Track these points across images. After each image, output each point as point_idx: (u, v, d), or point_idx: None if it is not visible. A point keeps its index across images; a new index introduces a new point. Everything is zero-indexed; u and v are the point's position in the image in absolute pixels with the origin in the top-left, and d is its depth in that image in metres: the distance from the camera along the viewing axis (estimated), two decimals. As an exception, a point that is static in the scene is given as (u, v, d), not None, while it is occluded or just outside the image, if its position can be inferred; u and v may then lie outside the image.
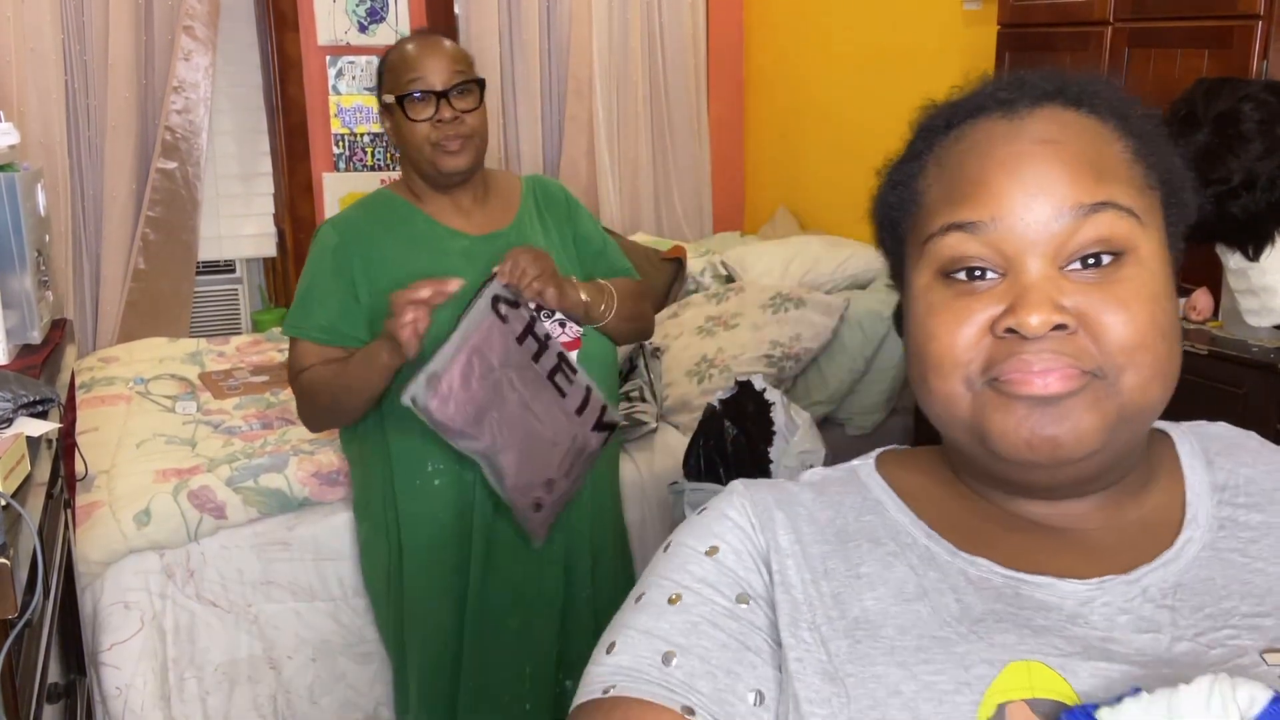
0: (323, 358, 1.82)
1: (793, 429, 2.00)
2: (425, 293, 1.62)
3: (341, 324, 1.82)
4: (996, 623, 0.64)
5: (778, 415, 2.01)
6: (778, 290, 2.92)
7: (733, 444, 2.08)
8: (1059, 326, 0.63)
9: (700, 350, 2.81)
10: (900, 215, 0.73)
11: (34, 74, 3.22)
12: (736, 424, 2.08)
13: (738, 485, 0.76)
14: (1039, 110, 0.68)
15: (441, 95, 1.77)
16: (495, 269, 1.74)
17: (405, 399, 1.65)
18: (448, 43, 1.84)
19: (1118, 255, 0.65)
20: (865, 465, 0.78)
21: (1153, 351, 0.64)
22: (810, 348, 2.76)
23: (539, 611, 1.92)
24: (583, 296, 1.81)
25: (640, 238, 3.76)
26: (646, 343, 2.75)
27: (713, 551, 0.70)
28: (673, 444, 2.50)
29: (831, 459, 2.08)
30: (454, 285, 1.64)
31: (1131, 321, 0.63)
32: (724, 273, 3.36)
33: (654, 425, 2.58)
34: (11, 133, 1.79)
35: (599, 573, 1.98)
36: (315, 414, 1.88)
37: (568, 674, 1.99)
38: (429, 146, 1.79)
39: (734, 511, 0.72)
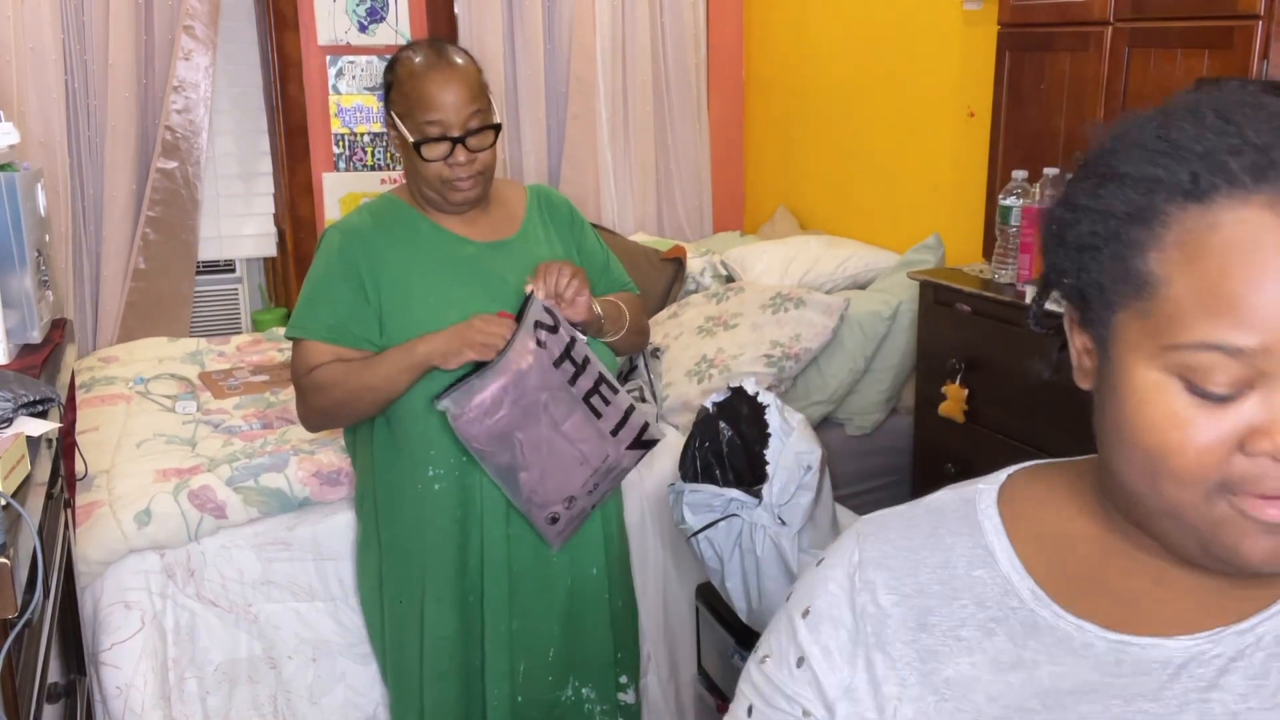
0: (335, 356, 1.80)
1: (788, 430, 1.99)
2: (505, 331, 1.72)
3: (352, 324, 1.80)
4: (1087, 693, 0.65)
5: (772, 417, 2.01)
6: (778, 290, 2.92)
7: (728, 445, 2.08)
8: None
9: (700, 350, 2.81)
10: (1116, 285, 0.63)
11: (34, 74, 3.22)
12: (731, 426, 2.08)
13: (852, 536, 0.77)
14: None
15: (458, 140, 1.75)
16: (528, 288, 1.74)
17: (439, 405, 1.66)
18: (463, 69, 1.78)
19: None
20: (987, 496, 0.74)
21: None
22: (810, 348, 2.76)
23: (539, 613, 1.93)
24: (597, 310, 1.83)
25: (640, 238, 3.76)
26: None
27: (800, 662, 0.75)
28: (672, 444, 2.49)
29: (830, 459, 2.08)
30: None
31: None
32: (724, 273, 3.36)
33: (654, 425, 2.58)
34: (11, 133, 1.78)
35: (611, 573, 1.99)
36: (320, 412, 1.86)
37: (583, 680, 1.98)
38: (440, 181, 1.79)
39: (839, 576, 0.75)
